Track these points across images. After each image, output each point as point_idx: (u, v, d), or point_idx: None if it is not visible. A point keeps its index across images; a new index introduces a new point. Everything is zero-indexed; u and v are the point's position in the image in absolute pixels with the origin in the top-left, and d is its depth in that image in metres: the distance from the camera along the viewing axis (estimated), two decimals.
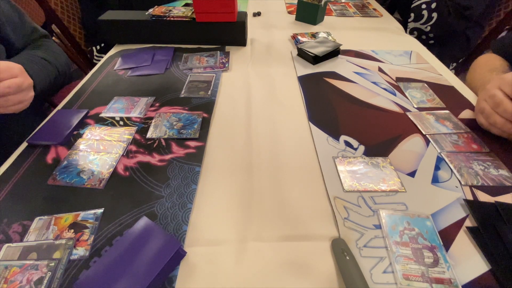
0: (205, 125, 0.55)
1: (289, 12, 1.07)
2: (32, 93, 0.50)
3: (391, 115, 0.58)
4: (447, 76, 0.69)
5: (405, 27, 0.97)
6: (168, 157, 0.48)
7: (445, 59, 1.07)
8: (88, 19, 1.14)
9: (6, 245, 0.36)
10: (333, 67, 0.73)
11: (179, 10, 0.81)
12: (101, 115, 0.57)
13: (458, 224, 0.38)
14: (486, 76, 0.61)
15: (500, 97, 0.46)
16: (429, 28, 1.02)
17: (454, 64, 1.15)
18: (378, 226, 0.38)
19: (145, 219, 0.36)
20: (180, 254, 0.35)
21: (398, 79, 0.68)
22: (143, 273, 0.31)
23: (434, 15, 0.98)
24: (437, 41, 1.07)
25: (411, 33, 1.06)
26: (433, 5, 0.97)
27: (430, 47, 0.85)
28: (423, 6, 0.99)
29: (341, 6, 1.11)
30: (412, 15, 1.03)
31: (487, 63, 0.67)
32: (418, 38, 1.04)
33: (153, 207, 0.41)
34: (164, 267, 0.32)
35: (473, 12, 0.97)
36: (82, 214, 0.40)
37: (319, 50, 0.73)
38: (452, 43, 1.08)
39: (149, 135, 0.52)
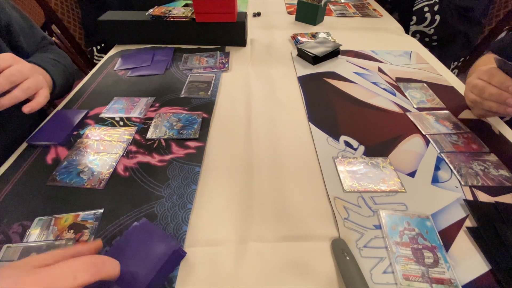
0: (205, 125, 0.55)
1: (289, 13, 1.07)
2: (41, 81, 0.48)
3: (391, 115, 0.58)
4: (447, 76, 0.70)
5: (406, 30, 0.97)
6: (168, 157, 0.48)
7: (446, 58, 1.07)
8: (88, 20, 1.14)
9: (6, 245, 0.36)
10: (333, 67, 0.73)
11: (179, 11, 0.81)
12: (101, 116, 0.57)
13: (458, 224, 0.38)
14: None
15: (481, 84, 0.49)
16: (432, 30, 1.02)
17: (455, 63, 1.15)
18: (378, 226, 0.38)
19: (145, 220, 0.36)
20: (180, 255, 0.35)
21: (398, 79, 0.68)
22: (143, 273, 0.31)
23: (437, 17, 0.98)
24: (439, 42, 1.07)
25: (413, 36, 1.06)
26: (436, 8, 0.97)
27: (431, 48, 0.85)
28: (426, 9, 0.99)
29: (341, 6, 1.11)
30: (414, 18, 1.03)
31: (487, 64, 0.67)
32: (421, 40, 1.03)
33: (153, 207, 0.41)
34: (163, 267, 0.32)
35: (474, 13, 0.97)
36: (82, 215, 0.39)
37: (319, 50, 0.73)
38: (453, 42, 1.08)
39: (149, 135, 0.52)
